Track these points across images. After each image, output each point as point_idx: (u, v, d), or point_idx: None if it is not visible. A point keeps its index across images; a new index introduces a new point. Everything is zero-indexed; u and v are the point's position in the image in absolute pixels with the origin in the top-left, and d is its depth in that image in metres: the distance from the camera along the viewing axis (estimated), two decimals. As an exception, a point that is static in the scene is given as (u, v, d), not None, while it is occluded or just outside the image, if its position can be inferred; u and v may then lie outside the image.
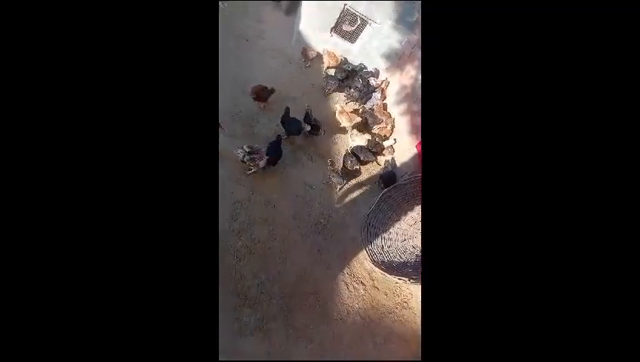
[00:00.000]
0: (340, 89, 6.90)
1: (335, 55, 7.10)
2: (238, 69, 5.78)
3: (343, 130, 6.20)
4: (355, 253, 4.61)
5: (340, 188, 5.13)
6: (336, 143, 5.90)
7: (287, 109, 4.98)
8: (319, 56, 6.96)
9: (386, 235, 4.90)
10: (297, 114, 5.16)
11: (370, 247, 4.66)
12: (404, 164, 5.69)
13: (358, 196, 5.25)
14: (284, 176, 4.83)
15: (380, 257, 4.65)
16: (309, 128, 5.08)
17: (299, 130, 5.02)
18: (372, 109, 6.66)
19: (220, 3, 6.91)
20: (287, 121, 4.98)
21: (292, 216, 4.45)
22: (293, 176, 4.89)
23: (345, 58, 7.20)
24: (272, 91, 5.31)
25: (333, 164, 5.21)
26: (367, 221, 4.85)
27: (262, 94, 5.21)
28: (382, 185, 5.42)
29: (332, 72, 6.96)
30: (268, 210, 4.35)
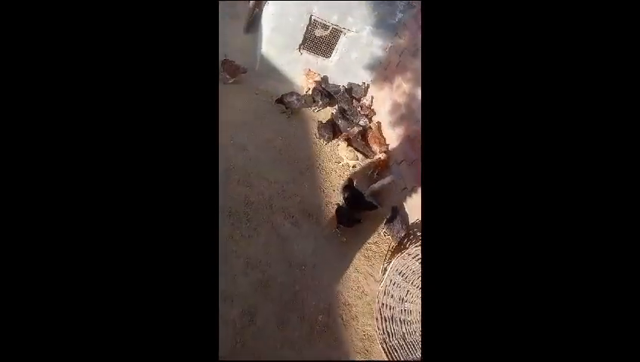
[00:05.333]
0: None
1: (314, 73, 5.92)
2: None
3: (330, 168, 5.05)
4: (372, 352, 3.49)
5: (339, 255, 4.01)
6: (324, 190, 4.75)
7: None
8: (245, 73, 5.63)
9: (406, 317, 3.77)
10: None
11: (388, 341, 3.54)
12: (414, 208, 4.53)
13: (364, 265, 4.12)
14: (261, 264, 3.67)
15: (404, 354, 3.54)
16: None
17: None
18: (364, 136, 5.51)
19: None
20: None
21: (277, 326, 3.29)
22: (272, 253, 3.74)
23: (325, 76, 6.02)
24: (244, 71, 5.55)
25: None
26: (379, 301, 3.72)
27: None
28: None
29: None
30: (246, 325, 3.20)
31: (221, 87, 5.28)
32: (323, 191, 4.74)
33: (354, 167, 5.19)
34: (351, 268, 4.01)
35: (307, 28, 5.53)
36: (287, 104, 5.46)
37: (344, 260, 4.05)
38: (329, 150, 5.39)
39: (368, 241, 4.36)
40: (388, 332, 3.59)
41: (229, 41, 6.22)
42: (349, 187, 4.56)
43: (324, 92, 5.88)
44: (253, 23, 6.82)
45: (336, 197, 4.67)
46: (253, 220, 3.95)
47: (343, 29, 5.59)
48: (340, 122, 5.56)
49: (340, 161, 5.22)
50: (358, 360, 3.42)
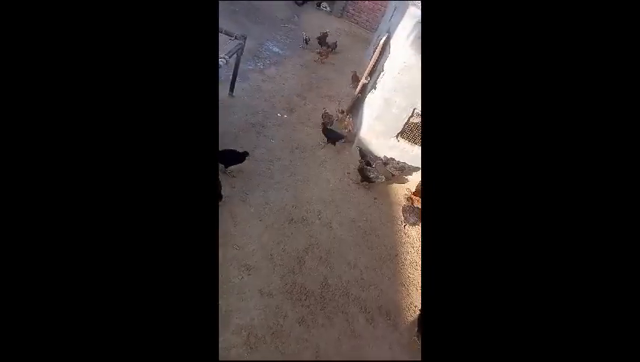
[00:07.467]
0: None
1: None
2: (291, 191, 4.92)
3: (414, 261, 4.66)
4: None
5: None
6: (405, 286, 4.35)
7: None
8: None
9: None
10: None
11: None
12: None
13: None
14: None
15: None
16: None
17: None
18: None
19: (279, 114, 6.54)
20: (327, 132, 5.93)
21: None
22: (344, 352, 3.38)
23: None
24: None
25: None
26: None
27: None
28: None
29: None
30: None
31: (319, 161, 5.66)
32: (405, 286, 4.35)
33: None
34: None
35: (409, 119, 5.74)
36: (369, 179, 5.49)
37: None
38: (414, 238, 5.09)
39: None
40: None
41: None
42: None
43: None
44: (353, 107, 7.42)
45: (419, 298, 4.21)
46: (329, 306, 3.74)
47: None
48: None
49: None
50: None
